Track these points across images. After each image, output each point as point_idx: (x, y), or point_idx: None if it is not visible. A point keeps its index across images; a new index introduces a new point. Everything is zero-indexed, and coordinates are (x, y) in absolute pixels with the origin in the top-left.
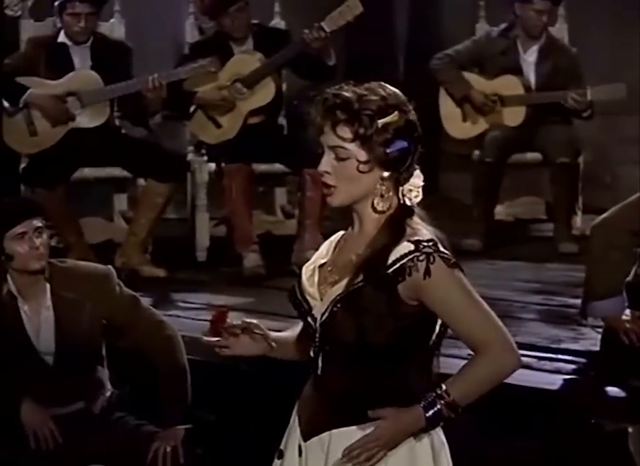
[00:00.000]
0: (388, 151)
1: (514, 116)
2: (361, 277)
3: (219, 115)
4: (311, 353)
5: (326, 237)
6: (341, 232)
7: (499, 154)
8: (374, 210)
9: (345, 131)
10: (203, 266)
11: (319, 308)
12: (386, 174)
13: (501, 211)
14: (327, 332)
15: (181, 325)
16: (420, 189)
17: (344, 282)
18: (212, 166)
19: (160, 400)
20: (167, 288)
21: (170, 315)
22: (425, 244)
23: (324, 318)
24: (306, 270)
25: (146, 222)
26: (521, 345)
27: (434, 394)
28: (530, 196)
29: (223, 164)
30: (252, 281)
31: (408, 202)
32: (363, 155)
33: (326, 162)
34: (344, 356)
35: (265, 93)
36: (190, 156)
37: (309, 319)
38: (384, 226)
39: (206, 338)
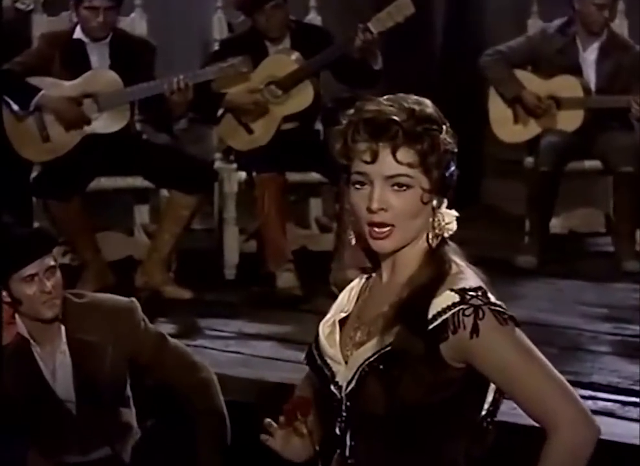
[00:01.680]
0: (447, 174)
1: (570, 120)
2: (394, 337)
3: (251, 120)
4: (337, 430)
5: (366, 253)
6: (363, 277)
7: (555, 162)
8: (429, 245)
9: (409, 155)
10: (232, 285)
11: (344, 374)
12: (435, 202)
13: (555, 224)
14: (356, 404)
15: (209, 359)
16: (455, 218)
17: (373, 342)
18: (242, 175)
19: (197, 448)
20: (193, 313)
21: (195, 346)
22: (472, 293)
23: (351, 386)
24: (323, 327)
25: (170, 238)
26: (600, 387)
27: None
28: (588, 207)
29: (254, 173)
30: (287, 303)
31: (446, 234)
32: (426, 182)
33: (381, 197)
34: (376, 433)
35: (302, 98)
36: (217, 164)
37: (332, 387)
38: (424, 263)
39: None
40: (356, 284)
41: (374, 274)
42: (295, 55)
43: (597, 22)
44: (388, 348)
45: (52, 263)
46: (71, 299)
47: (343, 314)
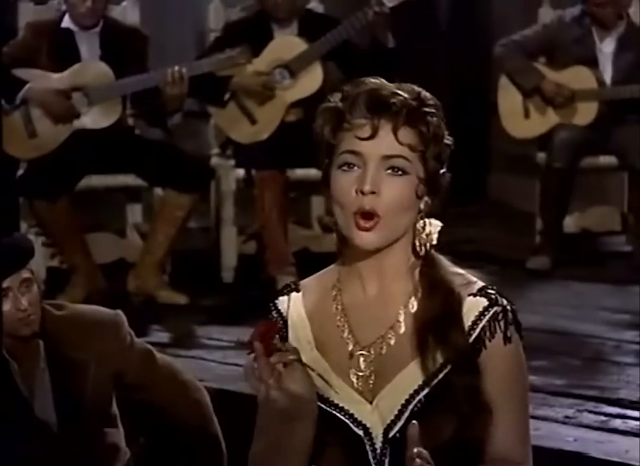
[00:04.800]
0: (443, 170)
1: (584, 114)
2: (441, 358)
3: (257, 105)
4: None
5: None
6: (300, 295)
7: (570, 158)
8: (414, 254)
9: (410, 136)
10: (230, 289)
11: (377, 416)
12: (423, 205)
13: (568, 222)
14: (404, 450)
15: (207, 372)
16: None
17: (410, 370)
18: (240, 172)
19: None
20: (188, 319)
21: (192, 357)
22: (493, 292)
23: (395, 430)
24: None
25: (164, 240)
26: (630, 404)
27: None
28: (603, 205)
29: (253, 171)
30: None
31: (430, 243)
32: (422, 171)
33: (375, 179)
34: None
35: (311, 80)
36: (214, 160)
37: (358, 432)
38: (425, 272)
39: (252, 363)
40: (302, 304)
41: (337, 288)
42: (302, 39)
43: (606, 18)
44: (442, 372)
45: (27, 275)
46: (50, 311)
47: (309, 345)
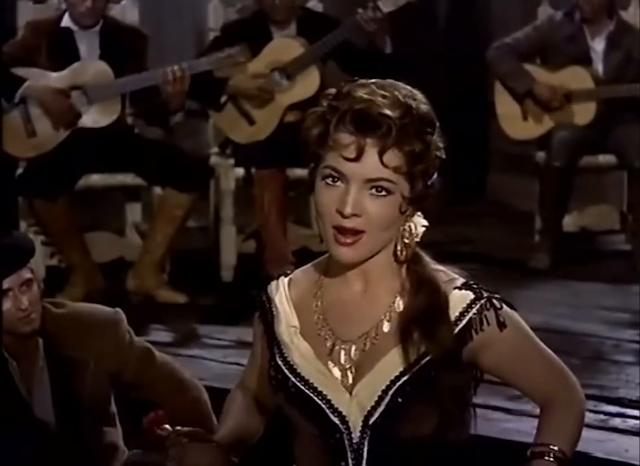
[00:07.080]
0: (430, 182)
1: (582, 114)
2: (422, 348)
3: (255, 107)
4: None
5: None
6: (287, 284)
7: (569, 157)
8: (395, 259)
9: (397, 158)
10: (229, 288)
11: (356, 405)
12: (410, 211)
13: (567, 221)
14: (386, 432)
15: (207, 371)
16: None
17: (388, 363)
18: (240, 171)
19: None
20: (188, 319)
21: (192, 356)
22: (476, 285)
23: (375, 416)
24: (289, 347)
25: (163, 239)
26: (630, 403)
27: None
28: (602, 204)
29: (253, 169)
30: None
31: (415, 241)
32: (408, 190)
33: (357, 202)
34: (410, 459)
35: (308, 84)
36: (213, 159)
37: (334, 419)
38: (410, 270)
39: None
40: (288, 292)
41: (319, 284)
42: (300, 40)
43: (595, 14)
44: (422, 363)
45: (28, 275)
46: (50, 309)
47: (294, 329)
